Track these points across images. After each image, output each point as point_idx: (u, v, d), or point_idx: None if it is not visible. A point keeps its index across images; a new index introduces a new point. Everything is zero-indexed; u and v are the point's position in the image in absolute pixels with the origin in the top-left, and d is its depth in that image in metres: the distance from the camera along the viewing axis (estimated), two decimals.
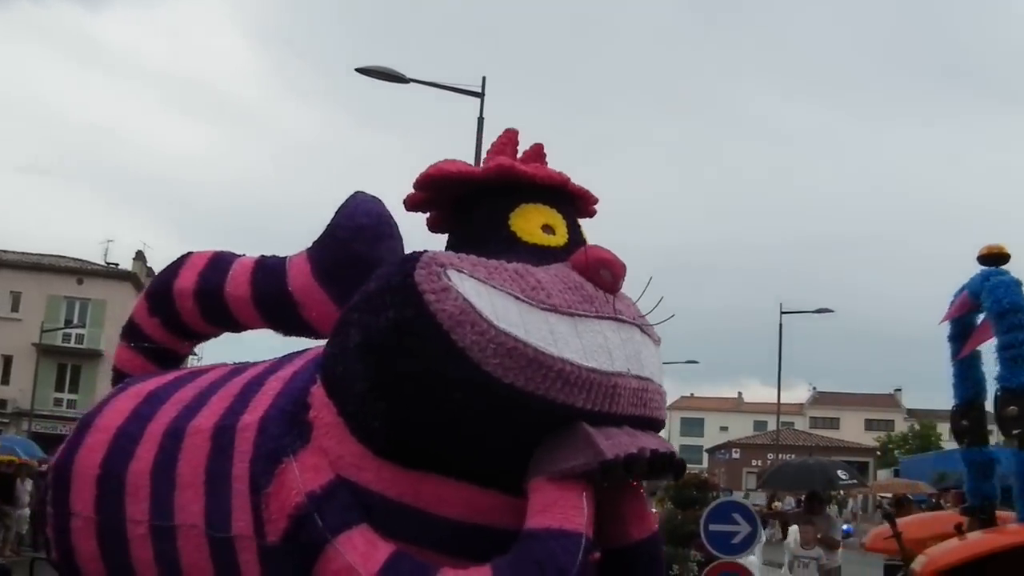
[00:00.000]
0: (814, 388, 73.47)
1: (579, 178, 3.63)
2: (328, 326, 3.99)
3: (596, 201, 3.72)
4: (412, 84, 15.57)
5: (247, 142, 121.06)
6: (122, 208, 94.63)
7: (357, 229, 3.90)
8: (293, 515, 3.00)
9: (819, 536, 9.11)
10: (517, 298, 2.98)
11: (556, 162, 3.65)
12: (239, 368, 3.95)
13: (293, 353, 3.77)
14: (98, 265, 40.31)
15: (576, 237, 3.49)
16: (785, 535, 9.84)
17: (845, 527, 24.61)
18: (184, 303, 4.30)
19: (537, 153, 3.60)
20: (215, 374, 3.97)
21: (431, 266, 2.95)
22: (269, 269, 4.13)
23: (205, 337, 4.64)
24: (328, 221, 4.12)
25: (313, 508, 2.99)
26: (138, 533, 3.63)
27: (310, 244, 4.14)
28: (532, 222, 3.40)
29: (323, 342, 4.13)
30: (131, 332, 4.58)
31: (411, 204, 3.65)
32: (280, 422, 3.22)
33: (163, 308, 4.38)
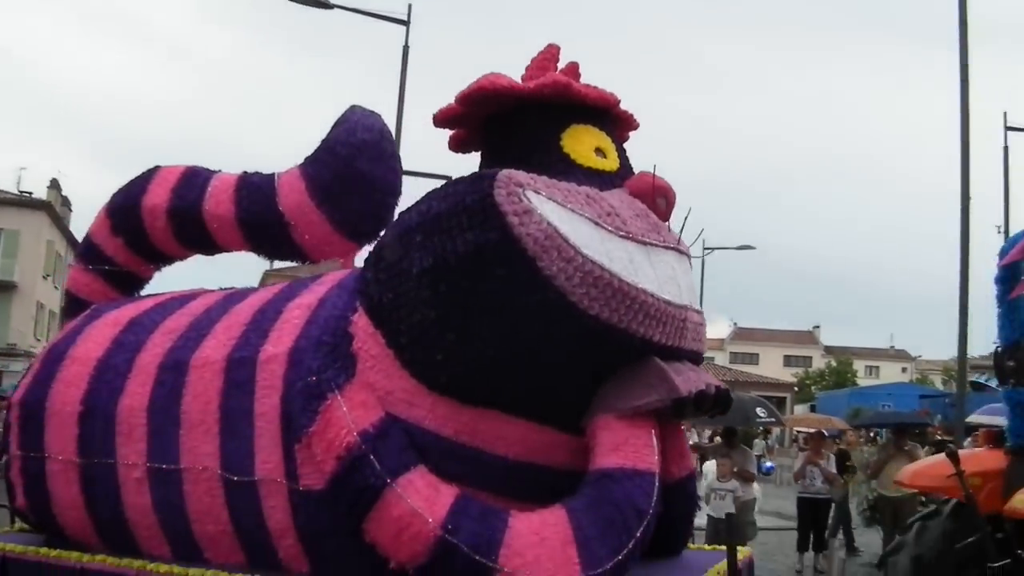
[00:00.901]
0: (735, 324, 75.14)
1: None
2: (322, 249, 3.68)
3: (636, 127, 3.49)
4: (337, 10, 15.01)
5: (167, 68, 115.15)
6: (35, 135, 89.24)
7: (359, 146, 3.57)
8: (344, 457, 2.70)
9: (735, 469, 9.31)
10: (596, 224, 2.76)
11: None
12: (234, 295, 3.58)
13: (307, 279, 3.40)
14: (10, 194, 38.00)
15: (625, 162, 3.28)
16: (702, 468, 9.97)
17: (767, 465, 25.44)
18: (154, 222, 3.86)
19: (574, 72, 3.26)
20: (205, 301, 3.58)
21: (509, 185, 2.67)
22: (255, 187, 3.75)
23: (173, 260, 4.19)
24: (324, 136, 3.76)
25: (368, 449, 2.69)
26: (133, 477, 3.25)
27: (302, 161, 3.76)
28: (585, 144, 3.13)
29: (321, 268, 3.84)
30: (89, 253, 4.09)
31: (444, 119, 3.30)
32: (317, 354, 2.89)
33: (128, 227, 3.93)
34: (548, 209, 2.67)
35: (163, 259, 4.16)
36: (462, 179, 2.85)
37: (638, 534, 2.65)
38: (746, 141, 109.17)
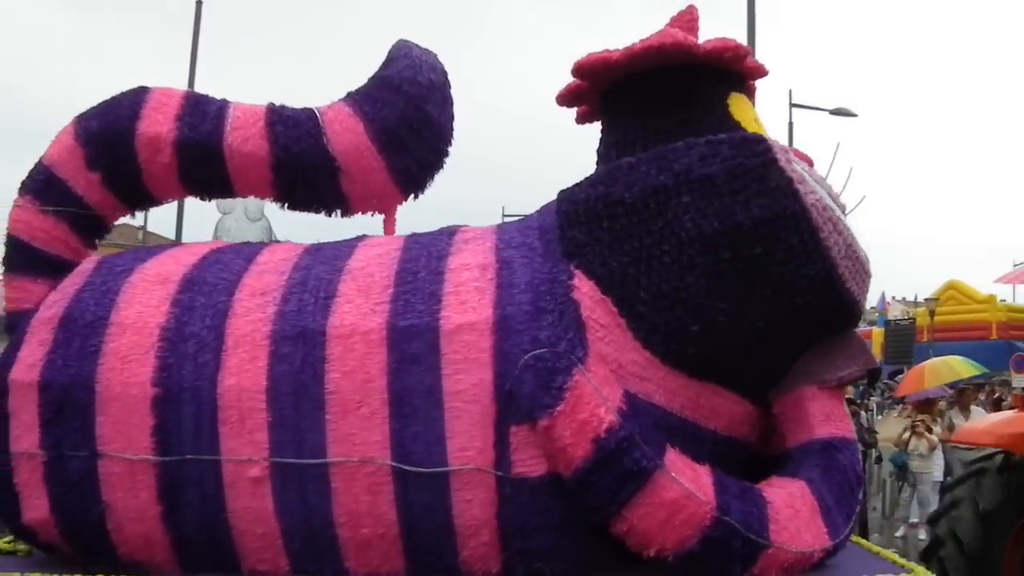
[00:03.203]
0: None
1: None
2: (369, 201, 3.29)
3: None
4: None
5: None
6: None
7: (428, 86, 3.26)
8: (604, 439, 2.42)
9: None
10: (828, 194, 2.75)
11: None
12: (322, 249, 2.99)
13: (442, 230, 2.99)
14: None
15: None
16: None
17: None
18: (154, 156, 3.09)
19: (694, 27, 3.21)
20: (280, 255, 2.96)
21: (786, 152, 2.61)
22: (292, 122, 3.18)
23: (157, 203, 3.39)
24: (380, 73, 3.34)
25: (632, 428, 2.46)
26: (247, 477, 2.59)
27: (348, 97, 3.29)
28: (748, 113, 3.08)
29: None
30: (48, 190, 3.11)
31: (599, 75, 3.04)
32: (540, 323, 2.55)
33: (112, 160, 3.10)
34: (807, 178, 2.66)
35: (148, 202, 3.34)
36: (716, 140, 2.69)
37: (860, 499, 2.78)
38: None
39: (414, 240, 2.96)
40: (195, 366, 2.65)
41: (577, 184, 2.87)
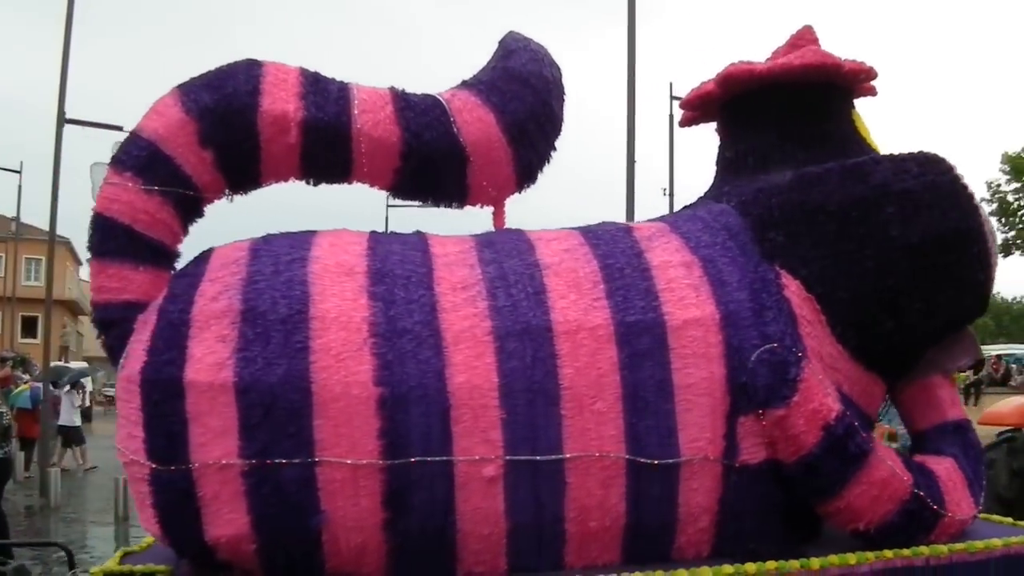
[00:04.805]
0: None
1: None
2: (487, 194, 3.31)
3: None
4: None
5: None
6: None
7: (552, 81, 3.33)
8: (833, 425, 2.64)
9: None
10: None
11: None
12: (497, 241, 2.95)
13: (606, 225, 3.07)
14: None
15: None
16: None
17: None
18: (279, 136, 2.87)
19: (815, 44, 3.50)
20: (452, 247, 2.88)
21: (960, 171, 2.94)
22: (420, 109, 3.08)
23: (259, 186, 3.09)
24: (502, 64, 3.32)
25: (852, 415, 2.71)
26: (481, 476, 2.51)
27: (470, 86, 3.24)
28: (864, 127, 3.41)
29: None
30: (153, 166, 2.77)
31: (741, 85, 3.24)
32: (765, 320, 2.70)
33: (229, 138, 2.83)
34: None
35: (253, 184, 3.05)
36: (901, 158, 2.96)
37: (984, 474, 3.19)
38: None
39: (593, 235, 2.97)
40: (417, 363, 2.52)
41: (758, 191, 3.02)
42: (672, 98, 18.09)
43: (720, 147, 3.45)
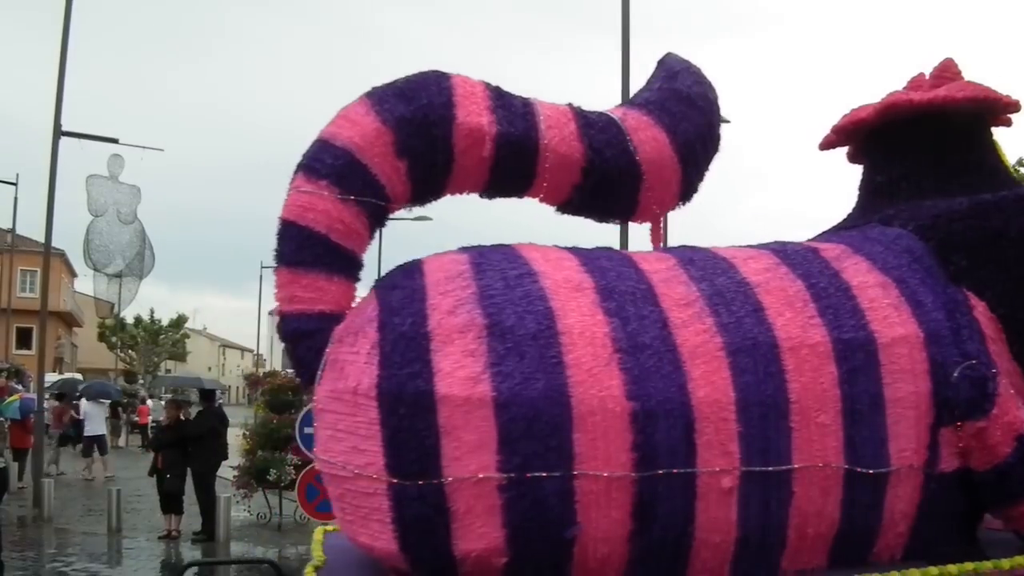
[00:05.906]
0: None
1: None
2: (651, 212, 3.42)
3: None
4: None
5: None
6: None
7: (716, 103, 3.46)
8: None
9: None
10: None
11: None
12: (694, 259, 3.03)
13: (786, 244, 3.20)
14: None
15: None
16: None
17: None
18: (473, 148, 2.91)
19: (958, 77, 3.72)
20: (655, 264, 2.96)
21: None
22: (599, 126, 3.17)
23: (439, 198, 3.12)
24: (667, 84, 3.43)
25: None
26: (719, 487, 2.61)
27: (639, 106, 3.35)
28: (1003, 154, 3.64)
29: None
30: (350, 175, 2.76)
31: (898, 114, 3.44)
32: (964, 338, 2.91)
33: (425, 148, 2.85)
34: None
35: (436, 196, 3.08)
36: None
37: None
38: None
39: (784, 254, 3.10)
40: (661, 378, 2.62)
41: (936, 216, 3.21)
42: None
43: (867, 171, 3.64)
